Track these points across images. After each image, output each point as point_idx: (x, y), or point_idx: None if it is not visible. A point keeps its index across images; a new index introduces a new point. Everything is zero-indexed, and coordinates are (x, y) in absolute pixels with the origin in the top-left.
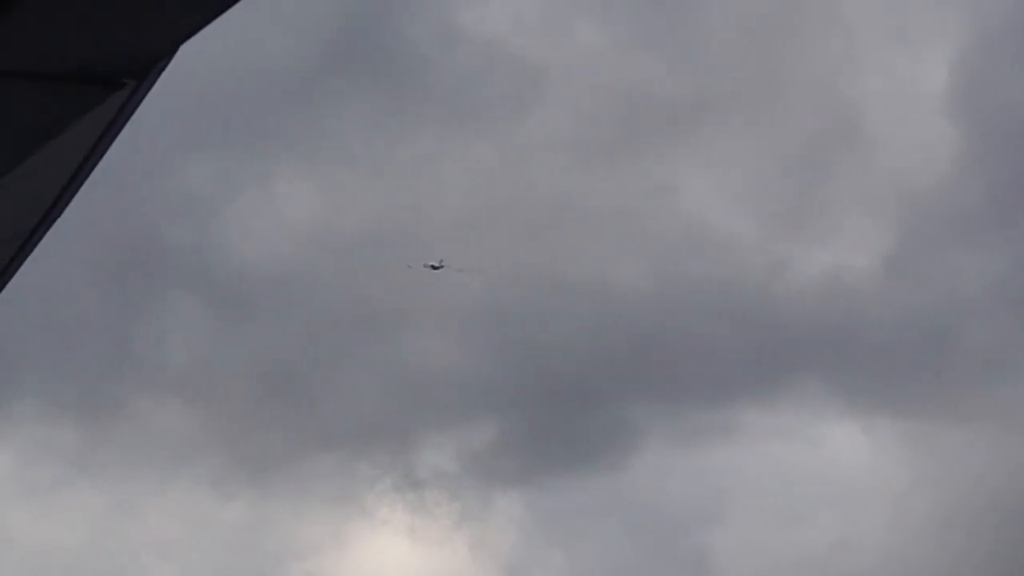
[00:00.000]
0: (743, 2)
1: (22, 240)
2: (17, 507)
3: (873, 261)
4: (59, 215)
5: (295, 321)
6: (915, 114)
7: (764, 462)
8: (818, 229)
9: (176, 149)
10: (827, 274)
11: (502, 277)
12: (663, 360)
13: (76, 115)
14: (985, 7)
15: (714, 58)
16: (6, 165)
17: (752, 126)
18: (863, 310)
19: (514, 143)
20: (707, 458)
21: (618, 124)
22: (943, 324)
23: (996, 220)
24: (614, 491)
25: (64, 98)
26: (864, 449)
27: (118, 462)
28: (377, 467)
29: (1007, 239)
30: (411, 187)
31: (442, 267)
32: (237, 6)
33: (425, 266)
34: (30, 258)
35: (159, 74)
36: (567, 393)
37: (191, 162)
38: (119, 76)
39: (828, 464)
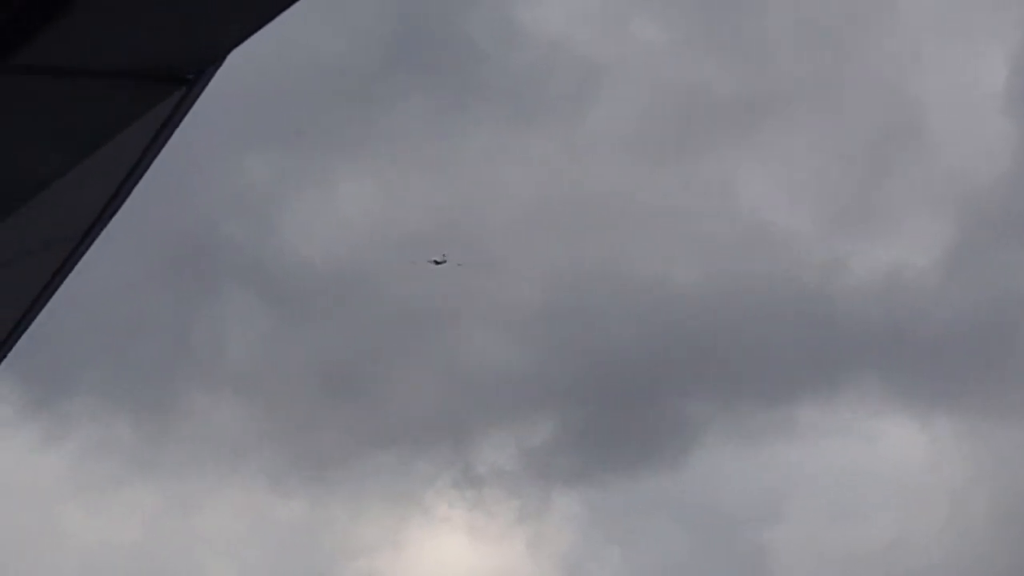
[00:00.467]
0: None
1: (80, 237)
2: (74, 505)
3: (932, 259)
4: (116, 212)
5: (353, 318)
6: (975, 112)
7: (822, 460)
8: (877, 227)
9: (233, 147)
10: (885, 272)
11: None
12: (721, 358)
13: (138, 112)
14: None
15: (774, 56)
16: (67, 162)
17: (811, 124)
18: (921, 308)
19: (573, 141)
20: (765, 456)
21: (677, 122)
22: (1002, 322)
23: None
24: (672, 489)
25: (125, 95)
26: (922, 447)
27: (175, 460)
28: (435, 465)
29: None
30: (470, 185)
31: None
32: (297, 4)
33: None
34: (88, 255)
35: (216, 71)
36: (625, 391)
37: (249, 159)
38: (180, 73)
39: (885, 462)
